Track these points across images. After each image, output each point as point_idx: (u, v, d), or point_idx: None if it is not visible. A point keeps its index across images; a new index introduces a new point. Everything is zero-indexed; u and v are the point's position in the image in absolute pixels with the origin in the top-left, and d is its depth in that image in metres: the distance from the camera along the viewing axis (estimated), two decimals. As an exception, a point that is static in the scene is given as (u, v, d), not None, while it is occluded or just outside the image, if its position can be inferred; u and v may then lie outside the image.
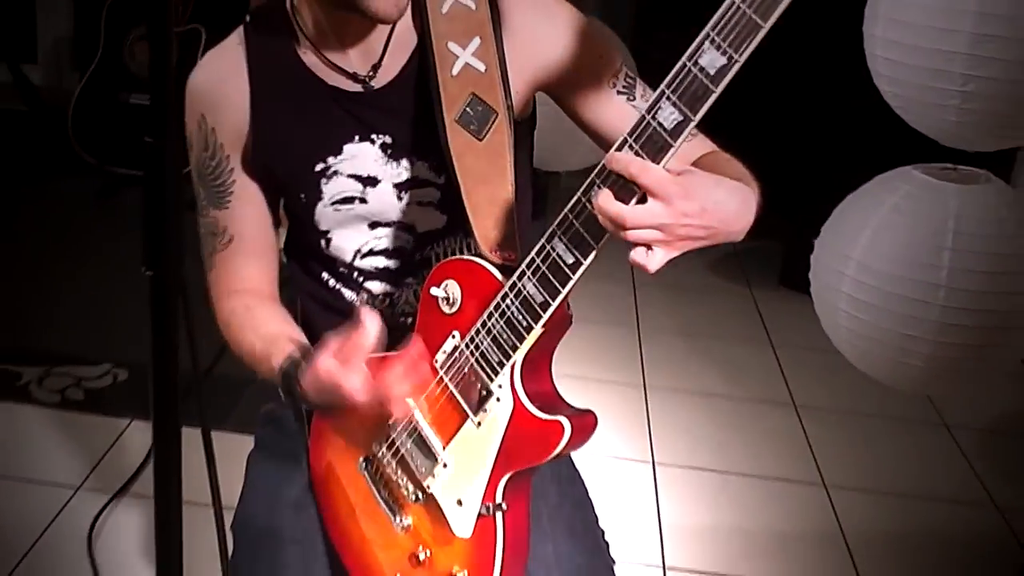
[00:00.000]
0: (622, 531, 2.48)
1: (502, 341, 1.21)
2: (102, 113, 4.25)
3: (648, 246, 1.06)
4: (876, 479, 2.86)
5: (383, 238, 1.42)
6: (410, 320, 1.44)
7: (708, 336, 3.61)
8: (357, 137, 1.37)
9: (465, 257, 1.28)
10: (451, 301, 1.28)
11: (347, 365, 1.19)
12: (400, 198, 1.39)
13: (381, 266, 1.44)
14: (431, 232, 1.42)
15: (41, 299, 3.42)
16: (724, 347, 3.56)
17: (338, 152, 1.37)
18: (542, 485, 1.42)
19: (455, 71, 1.31)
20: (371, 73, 1.35)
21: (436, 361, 1.30)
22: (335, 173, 1.38)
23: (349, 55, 1.35)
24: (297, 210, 1.43)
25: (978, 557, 2.60)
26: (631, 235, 1.05)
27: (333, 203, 1.39)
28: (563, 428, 1.20)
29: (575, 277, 1.13)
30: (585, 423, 1.23)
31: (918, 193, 2.20)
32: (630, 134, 1.05)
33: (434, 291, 1.29)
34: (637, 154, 1.05)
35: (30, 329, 3.23)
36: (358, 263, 1.44)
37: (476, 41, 1.31)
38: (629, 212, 1.04)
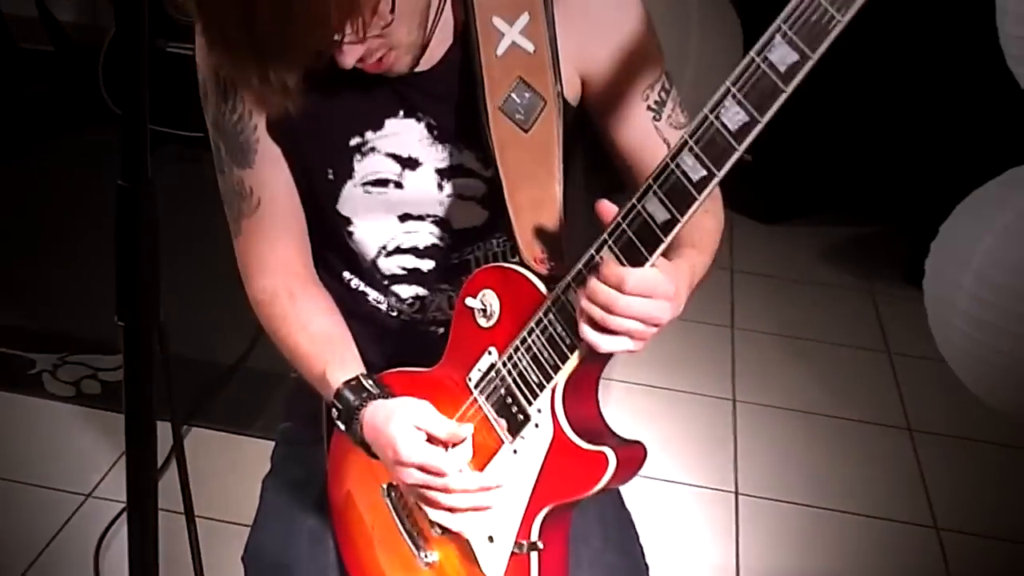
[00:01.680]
0: (694, 569, 2.54)
1: (543, 361, 1.25)
2: (136, 62, 4.35)
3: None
4: (997, 523, 2.83)
5: (413, 234, 1.45)
6: (441, 331, 1.50)
7: (814, 340, 3.59)
8: (402, 112, 1.39)
9: (504, 265, 1.32)
10: (488, 313, 1.32)
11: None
12: (441, 187, 1.41)
13: (410, 267, 1.47)
14: (469, 231, 1.45)
15: (59, 273, 3.49)
16: (832, 354, 3.53)
17: (379, 126, 1.39)
18: (584, 525, 1.47)
19: (500, 50, 1.33)
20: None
21: (470, 380, 1.35)
22: (372, 150, 1.40)
23: None
24: (320, 190, 1.45)
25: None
26: (618, 323, 1.15)
27: (364, 184, 1.42)
28: (607, 460, 1.24)
29: None
30: (632, 455, 1.27)
31: (1052, 195, 2.18)
32: (654, 179, 1.11)
33: (470, 302, 1.33)
34: (619, 255, 1.14)
35: (45, 309, 3.31)
36: (382, 262, 1.48)
37: (524, 17, 1.33)
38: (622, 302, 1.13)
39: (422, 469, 1.30)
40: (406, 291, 1.50)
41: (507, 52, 1.32)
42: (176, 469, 1.28)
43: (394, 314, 1.52)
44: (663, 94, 1.39)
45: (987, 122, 3.56)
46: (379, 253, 1.47)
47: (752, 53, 1.02)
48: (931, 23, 3.57)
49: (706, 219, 1.38)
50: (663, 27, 1.44)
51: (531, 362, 1.27)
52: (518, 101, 1.33)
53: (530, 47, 1.33)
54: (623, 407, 2.99)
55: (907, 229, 4.03)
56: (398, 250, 1.47)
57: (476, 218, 1.44)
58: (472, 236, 1.46)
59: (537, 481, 1.30)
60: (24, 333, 3.19)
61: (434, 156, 1.40)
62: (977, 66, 3.44)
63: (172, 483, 1.33)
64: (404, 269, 1.48)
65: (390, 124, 1.39)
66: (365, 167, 1.41)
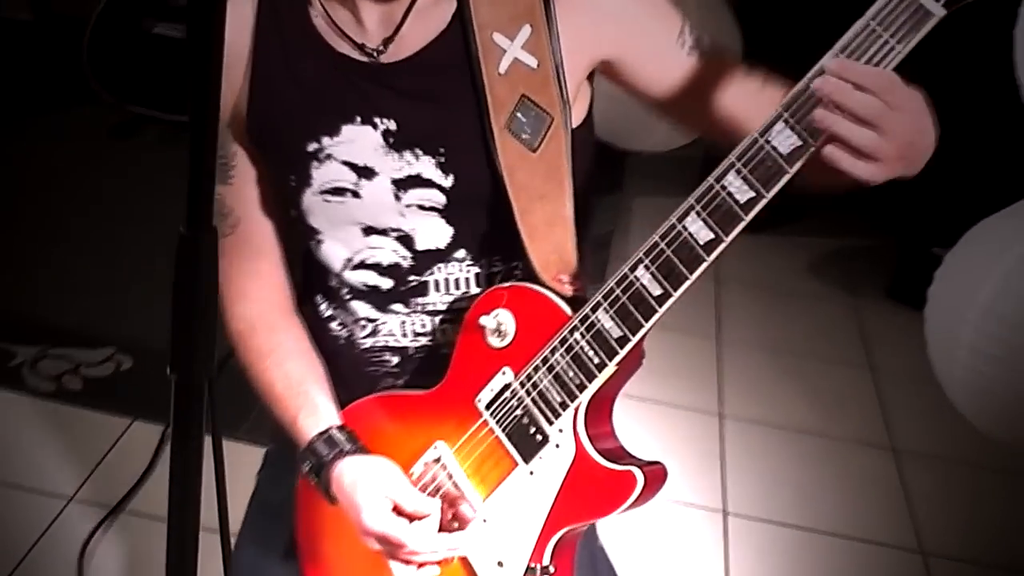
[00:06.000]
0: (682, 590, 2.51)
1: (567, 380, 1.23)
2: (123, 42, 4.18)
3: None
4: (984, 548, 2.80)
5: (378, 249, 1.41)
6: (396, 360, 1.45)
7: (799, 354, 3.56)
8: (359, 119, 1.34)
9: (524, 284, 1.29)
10: (502, 333, 1.29)
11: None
12: (398, 197, 1.36)
13: (371, 283, 1.42)
14: (431, 252, 1.39)
15: (40, 261, 3.40)
16: (816, 369, 3.50)
17: (335, 133, 1.35)
18: None
19: (503, 68, 1.29)
20: (380, 47, 1.32)
21: (479, 400, 1.31)
22: (328, 157, 1.36)
23: (363, 22, 1.33)
24: (287, 198, 1.42)
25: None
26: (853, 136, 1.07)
27: (323, 192, 1.38)
28: (635, 479, 1.21)
29: (661, 310, 1.16)
30: (656, 474, 1.25)
31: (1065, 229, 2.15)
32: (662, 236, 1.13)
33: (484, 320, 1.30)
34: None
35: (26, 298, 3.21)
36: (348, 275, 1.43)
37: (526, 31, 1.29)
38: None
39: (384, 540, 1.29)
40: (361, 309, 1.44)
41: (510, 69, 1.29)
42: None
43: (343, 343, 1.48)
44: (695, 32, 1.33)
45: (983, 144, 3.53)
46: (345, 266, 1.43)
47: (755, 134, 1.07)
48: (941, 41, 3.54)
49: None
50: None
51: (554, 382, 1.24)
52: (524, 120, 1.29)
53: (533, 62, 1.29)
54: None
55: (893, 244, 4.01)
56: (363, 264, 1.42)
57: (439, 236, 1.38)
58: (434, 257, 1.40)
59: (555, 503, 1.27)
60: (5, 322, 3.08)
61: (389, 166, 1.35)
62: (982, 90, 3.43)
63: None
64: (366, 285, 1.43)
65: (346, 131, 1.35)
66: (323, 174, 1.37)
